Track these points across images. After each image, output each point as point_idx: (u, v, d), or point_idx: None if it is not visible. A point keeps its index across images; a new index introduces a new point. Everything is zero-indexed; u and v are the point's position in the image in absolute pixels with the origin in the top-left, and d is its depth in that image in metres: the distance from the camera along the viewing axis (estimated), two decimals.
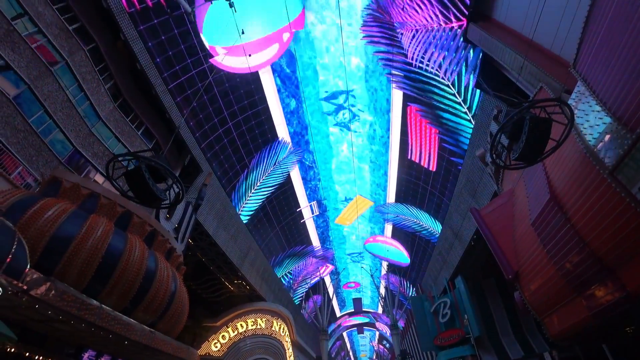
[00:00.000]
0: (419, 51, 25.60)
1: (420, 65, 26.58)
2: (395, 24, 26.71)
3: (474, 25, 16.50)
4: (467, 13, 17.52)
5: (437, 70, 25.21)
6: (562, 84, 10.25)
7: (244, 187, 34.11)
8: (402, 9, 24.41)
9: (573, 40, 9.44)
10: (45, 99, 13.25)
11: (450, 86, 25.64)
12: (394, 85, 31.29)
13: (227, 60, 25.60)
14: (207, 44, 24.22)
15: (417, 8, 23.04)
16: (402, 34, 26.69)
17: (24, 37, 12.60)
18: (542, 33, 11.85)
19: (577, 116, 8.12)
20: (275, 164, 35.97)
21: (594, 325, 8.81)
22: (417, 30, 24.61)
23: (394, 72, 30.08)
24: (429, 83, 27.54)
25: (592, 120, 7.79)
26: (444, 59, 23.76)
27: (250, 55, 25.17)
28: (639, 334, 10.62)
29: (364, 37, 29.72)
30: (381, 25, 28.10)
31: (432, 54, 24.60)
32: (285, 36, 28.30)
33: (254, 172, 34.56)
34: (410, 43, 25.98)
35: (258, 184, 35.41)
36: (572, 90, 9.09)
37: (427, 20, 22.99)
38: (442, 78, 25.55)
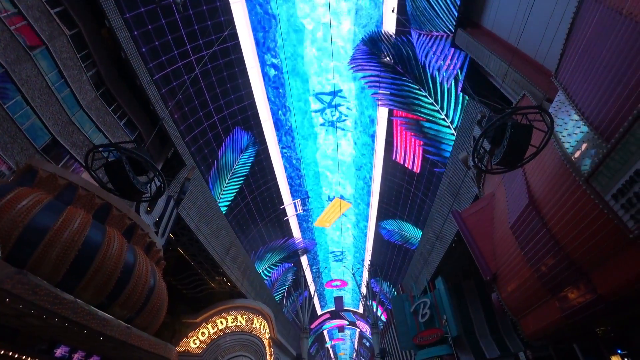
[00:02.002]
0: (423, 52, 26.47)
1: (408, 78, 27.62)
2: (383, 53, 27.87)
3: (462, 31, 16.77)
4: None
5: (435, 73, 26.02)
6: (544, 93, 10.54)
7: (218, 178, 33.66)
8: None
9: (556, 50, 9.73)
10: (22, 84, 12.74)
11: (433, 103, 26.62)
12: (380, 103, 32.33)
13: None
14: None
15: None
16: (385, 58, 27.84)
17: (2, 19, 12.07)
18: (527, 42, 12.16)
19: (557, 124, 8.38)
20: (240, 152, 35.41)
21: (566, 326, 9.13)
22: (420, 34, 25.48)
23: (380, 91, 31.03)
24: (412, 97, 28.51)
25: (570, 129, 8.05)
26: (440, 66, 24.55)
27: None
28: (608, 335, 11.08)
29: (352, 67, 30.81)
30: (369, 56, 29.15)
31: (431, 59, 25.45)
32: None
33: (225, 161, 33.98)
34: (416, 45, 26.80)
35: (230, 174, 34.94)
36: (553, 99, 9.37)
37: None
38: (431, 87, 26.44)
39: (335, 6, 28.81)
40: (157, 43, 22.30)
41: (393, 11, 26.10)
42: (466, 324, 23.88)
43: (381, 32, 27.90)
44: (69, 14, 15.20)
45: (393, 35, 27.11)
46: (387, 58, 28.37)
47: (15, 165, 12.09)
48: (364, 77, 31.45)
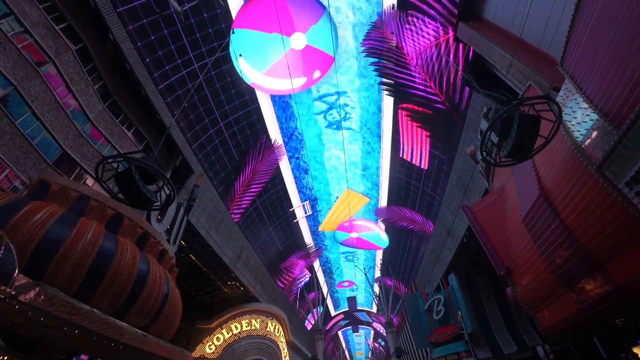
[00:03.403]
0: (422, 73, 26.56)
1: (414, 69, 27.42)
2: (393, 37, 27.66)
3: (464, 24, 16.64)
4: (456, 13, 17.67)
5: (437, 88, 26.04)
6: (550, 82, 10.39)
7: (232, 185, 33.98)
8: (404, 35, 25.26)
9: (560, 38, 9.59)
10: (32, 100, 13.01)
11: (439, 93, 26.44)
12: (386, 92, 32.05)
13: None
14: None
15: (417, 34, 23.98)
16: (397, 44, 27.59)
17: (10, 37, 12.35)
18: (530, 31, 12.00)
19: (565, 113, 8.24)
20: (262, 161, 35.79)
21: (584, 318, 8.96)
22: (418, 55, 25.54)
23: (385, 80, 30.75)
24: (417, 89, 28.36)
25: (579, 117, 7.92)
26: (442, 75, 24.49)
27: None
28: (628, 326, 10.83)
29: (364, 50, 30.50)
30: (381, 39, 28.88)
31: (430, 59, 25.39)
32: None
33: (244, 171, 34.42)
34: (415, 67, 26.95)
35: (247, 182, 35.26)
36: (560, 88, 9.22)
37: (427, 41, 23.79)
38: (438, 93, 26.38)
39: (335, 9, 28.82)
40: (160, 53, 22.57)
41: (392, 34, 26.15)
42: (482, 320, 23.58)
43: (381, 16, 27.47)
44: (74, 30, 15.49)
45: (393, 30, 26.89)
46: (391, 42, 28.03)
47: (28, 180, 12.35)
48: (372, 63, 31.11)
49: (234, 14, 25.88)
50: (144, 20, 20.72)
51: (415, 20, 24.25)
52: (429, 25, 23.39)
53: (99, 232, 10.10)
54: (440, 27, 22.30)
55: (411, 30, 25.11)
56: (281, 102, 34.62)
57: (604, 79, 7.20)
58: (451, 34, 20.87)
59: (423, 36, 24.36)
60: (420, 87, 27.94)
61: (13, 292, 7.07)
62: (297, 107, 35.50)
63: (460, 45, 21.06)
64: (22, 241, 8.51)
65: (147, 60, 21.63)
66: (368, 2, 28.39)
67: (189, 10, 22.52)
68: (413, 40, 25.60)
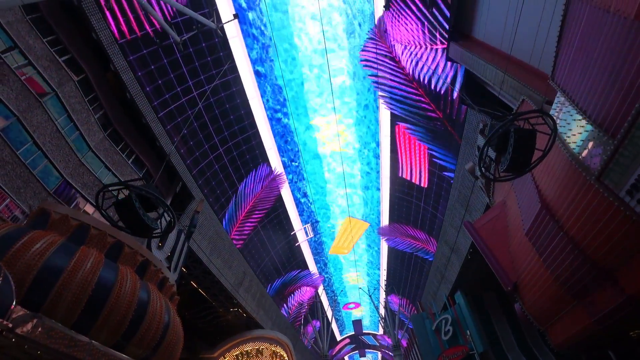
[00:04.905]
0: (411, 64, 26.67)
1: (410, 83, 27.70)
2: (390, 49, 28.04)
3: (455, 44, 17.11)
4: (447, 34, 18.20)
5: (425, 84, 26.15)
6: (543, 96, 10.58)
7: (234, 212, 33.84)
8: (395, 25, 25.63)
9: (549, 52, 9.84)
10: (34, 130, 13.19)
11: (436, 110, 26.63)
12: (384, 106, 32.33)
13: None
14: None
15: (407, 25, 24.32)
16: (394, 56, 27.96)
17: (14, 70, 12.66)
18: (520, 48, 12.33)
19: (560, 125, 8.35)
20: (263, 187, 35.87)
21: (597, 331, 8.71)
22: (406, 46, 25.84)
23: (381, 93, 31.13)
24: (414, 105, 28.63)
25: (574, 129, 8.01)
26: (432, 74, 24.72)
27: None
28: None
29: (361, 60, 30.98)
30: (377, 50, 29.34)
31: (421, 69, 25.65)
32: None
33: (243, 196, 34.39)
34: (401, 55, 27.09)
35: (248, 208, 35.15)
36: (552, 101, 9.38)
37: (416, 38, 24.18)
38: (430, 92, 26.46)
39: (331, 32, 29.77)
40: (160, 82, 23.08)
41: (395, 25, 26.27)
42: (492, 338, 22.89)
43: (379, 23, 27.83)
44: (76, 61, 15.91)
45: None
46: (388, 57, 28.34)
47: (28, 209, 12.32)
48: (370, 76, 31.48)
49: (231, 42, 26.67)
50: (144, 51, 21.32)
51: (407, 19, 24.47)
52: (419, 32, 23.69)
53: (98, 261, 9.97)
54: (438, 37, 22.62)
55: (405, 27, 25.18)
56: (279, 127, 35.08)
57: (595, 89, 7.34)
58: (441, 45, 21.28)
59: (411, 34, 24.45)
60: (415, 102, 28.20)
61: (10, 325, 6.91)
62: (296, 131, 35.93)
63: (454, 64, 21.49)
64: (21, 271, 8.39)
65: (148, 89, 22.09)
66: (360, 26, 29.39)
67: (187, 40, 23.20)
68: (408, 38, 25.70)
